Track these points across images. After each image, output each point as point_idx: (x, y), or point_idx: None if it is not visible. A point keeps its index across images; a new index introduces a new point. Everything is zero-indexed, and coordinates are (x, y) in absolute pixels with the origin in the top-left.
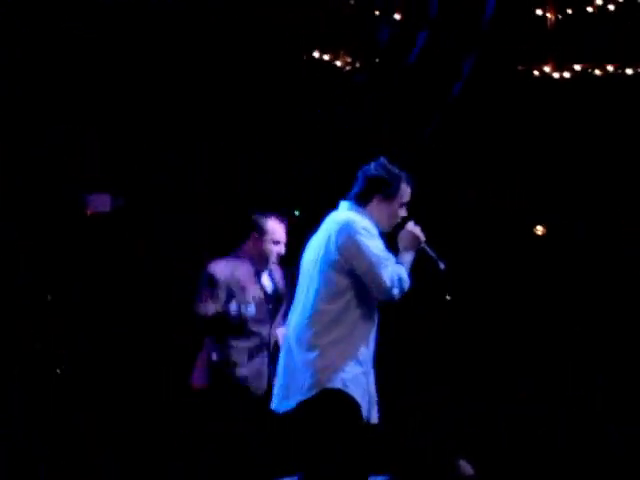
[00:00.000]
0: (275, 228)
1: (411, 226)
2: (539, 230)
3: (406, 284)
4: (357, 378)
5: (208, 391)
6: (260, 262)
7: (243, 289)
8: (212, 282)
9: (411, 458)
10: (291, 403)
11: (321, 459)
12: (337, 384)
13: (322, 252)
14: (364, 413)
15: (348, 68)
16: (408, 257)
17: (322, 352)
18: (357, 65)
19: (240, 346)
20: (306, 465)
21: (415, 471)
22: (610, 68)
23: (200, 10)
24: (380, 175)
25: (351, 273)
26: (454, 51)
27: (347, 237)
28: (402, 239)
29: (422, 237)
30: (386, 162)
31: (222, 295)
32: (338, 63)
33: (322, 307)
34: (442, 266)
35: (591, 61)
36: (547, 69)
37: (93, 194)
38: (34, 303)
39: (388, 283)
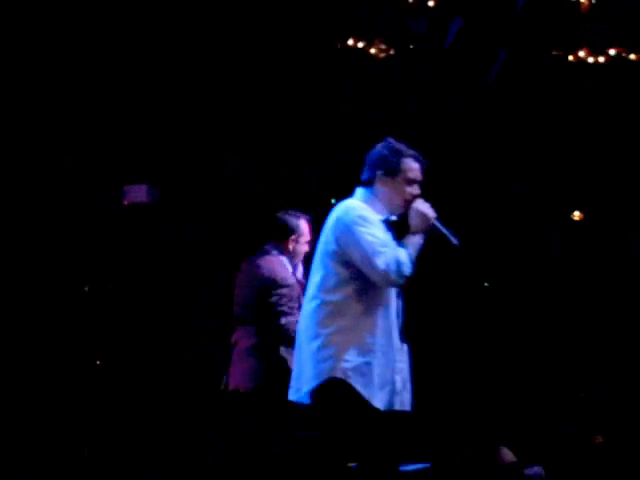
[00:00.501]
0: (307, 229)
1: (419, 204)
2: (576, 216)
3: (406, 267)
4: (360, 368)
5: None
6: (293, 260)
7: (301, 285)
8: (289, 288)
9: (450, 445)
10: (301, 394)
11: (328, 448)
12: (338, 374)
13: (324, 243)
14: (374, 402)
15: (382, 55)
16: (415, 239)
17: (324, 342)
18: (392, 52)
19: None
20: (315, 453)
21: (455, 458)
22: None
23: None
24: (380, 152)
25: (350, 263)
26: (488, 37)
27: (343, 226)
28: (411, 219)
29: (431, 214)
30: (391, 140)
31: (297, 297)
32: (372, 50)
33: (325, 298)
34: (455, 242)
35: (626, 45)
36: (582, 54)
37: (130, 185)
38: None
39: (382, 269)
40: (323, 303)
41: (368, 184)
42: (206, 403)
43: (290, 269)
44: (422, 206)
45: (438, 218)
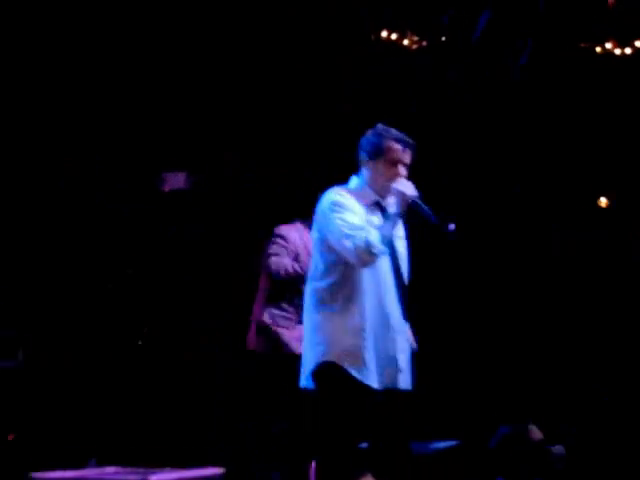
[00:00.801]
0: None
1: (398, 183)
2: (603, 202)
3: (374, 247)
4: (351, 350)
5: (258, 353)
6: None
7: (309, 253)
8: (283, 239)
9: (478, 423)
10: (305, 379)
11: (325, 432)
12: (330, 357)
13: (313, 231)
14: (370, 383)
15: (415, 47)
16: (392, 218)
17: (317, 327)
18: (424, 44)
19: (290, 310)
20: (316, 436)
21: (483, 436)
22: None
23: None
24: (365, 136)
25: (333, 249)
26: (515, 30)
27: (320, 214)
28: (392, 200)
29: (410, 193)
30: (378, 125)
31: (291, 254)
32: (405, 42)
33: (315, 285)
34: (435, 221)
35: None
36: (609, 46)
37: (170, 172)
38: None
39: (351, 250)
40: (314, 290)
41: (358, 168)
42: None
43: (304, 235)
44: (401, 185)
45: (419, 197)
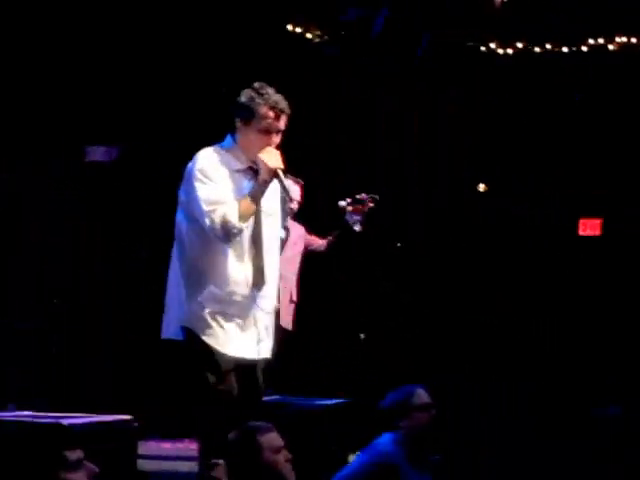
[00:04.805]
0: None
1: (263, 153)
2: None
3: (234, 228)
4: (205, 317)
5: None
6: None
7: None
8: None
9: None
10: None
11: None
12: (186, 323)
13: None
14: (232, 352)
15: (317, 40)
16: (255, 189)
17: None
18: (326, 38)
19: None
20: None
21: None
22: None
23: None
24: (240, 98)
25: (194, 216)
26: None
27: (187, 177)
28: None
29: (273, 165)
30: (255, 85)
31: None
32: (308, 35)
33: (181, 249)
34: (288, 196)
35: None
36: (493, 46)
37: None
38: None
39: (209, 227)
40: (180, 254)
41: (232, 130)
42: None
43: None
44: (266, 154)
45: (284, 171)
